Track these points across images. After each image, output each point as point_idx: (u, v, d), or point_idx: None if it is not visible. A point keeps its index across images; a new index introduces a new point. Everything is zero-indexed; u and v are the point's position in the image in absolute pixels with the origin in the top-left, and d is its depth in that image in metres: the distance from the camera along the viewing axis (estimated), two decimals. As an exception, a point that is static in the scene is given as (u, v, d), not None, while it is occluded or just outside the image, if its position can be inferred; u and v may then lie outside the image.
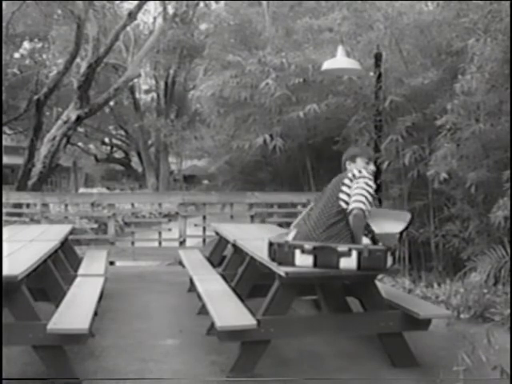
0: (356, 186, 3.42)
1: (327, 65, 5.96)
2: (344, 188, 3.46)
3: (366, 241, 3.33)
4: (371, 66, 6.18)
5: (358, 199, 3.35)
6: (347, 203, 3.40)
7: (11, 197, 7.86)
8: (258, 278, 4.27)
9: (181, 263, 5.39)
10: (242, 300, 3.68)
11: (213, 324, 3.30)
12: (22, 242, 4.42)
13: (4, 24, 13.85)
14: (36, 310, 3.29)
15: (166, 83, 24.38)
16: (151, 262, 8.26)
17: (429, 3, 6.45)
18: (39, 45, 22.17)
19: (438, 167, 5.09)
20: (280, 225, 6.69)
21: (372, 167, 3.71)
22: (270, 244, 3.38)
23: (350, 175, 3.49)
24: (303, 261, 3.22)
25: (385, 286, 4.36)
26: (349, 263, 3.18)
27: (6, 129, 21.94)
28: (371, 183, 3.45)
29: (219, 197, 8.26)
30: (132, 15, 12.41)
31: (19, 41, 20.79)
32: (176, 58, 22.25)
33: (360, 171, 3.49)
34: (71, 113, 11.70)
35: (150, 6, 21.66)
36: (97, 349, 3.78)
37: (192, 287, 4.68)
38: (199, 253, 5.77)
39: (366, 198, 3.35)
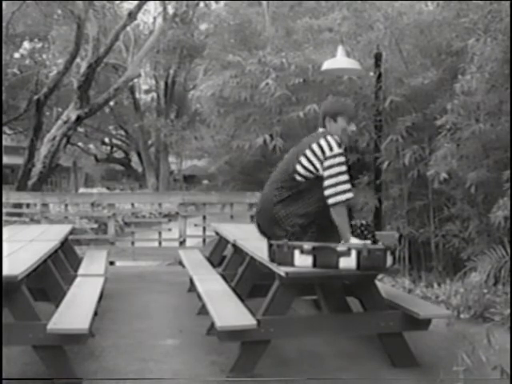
0: (329, 171, 3.20)
1: (327, 65, 5.96)
2: (303, 160, 3.26)
3: (354, 240, 3.30)
4: (371, 66, 6.18)
5: (338, 191, 3.19)
6: (304, 177, 3.26)
7: (11, 197, 7.87)
8: (258, 278, 4.28)
9: (181, 263, 5.39)
10: (242, 300, 3.68)
11: (213, 324, 3.30)
12: (22, 242, 4.42)
13: (4, 24, 13.87)
14: (36, 310, 3.29)
15: (166, 83, 24.39)
16: (151, 262, 8.27)
17: (429, 3, 6.45)
18: (39, 45, 22.20)
19: (438, 167, 5.08)
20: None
21: (353, 127, 3.41)
22: (270, 245, 3.38)
23: (315, 148, 3.24)
24: (302, 261, 3.22)
25: (385, 286, 4.36)
26: (348, 263, 3.18)
27: (6, 129, 21.96)
28: (343, 160, 3.23)
29: (219, 197, 8.26)
30: (132, 15, 12.42)
31: (19, 41, 20.82)
32: (176, 58, 22.26)
33: (331, 148, 3.22)
34: (71, 113, 11.71)
35: (149, 5, 21.69)
36: (97, 349, 3.78)
37: (192, 287, 4.68)
38: (199, 253, 5.77)
39: (344, 182, 3.20)
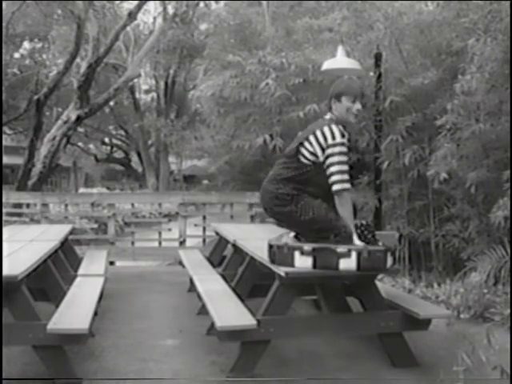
0: (331, 159, 3.24)
1: (327, 65, 5.96)
2: (306, 144, 3.32)
3: (357, 242, 3.29)
4: (371, 66, 6.18)
5: (340, 179, 3.24)
6: (308, 160, 3.32)
7: (11, 197, 7.87)
8: (258, 278, 4.27)
9: (181, 263, 5.39)
10: (242, 300, 3.69)
11: (213, 324, 3.30)
12: (22, 242, 4.42)
13: (4, 24, 13.86)
14: (36, 310, 3.29)
15: (166, 83, 24.39)
16: (151, 262, 8.27)
17: (429, 3, 6.45)
18: (39, 45, 22.19)
19: (438, 167, 5.08)
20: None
21: (358, 106, 3.39)
22: (270, 246, 3.38)
23: (318, 135, 3.29)
24: (302, 262, 3.22)
25: (385, 286, 4.36)
26: (348, 264, 3.17)
27: (6, 129, 21.96)
28: (345, 150, 3.28)
29: (219, 197, 8.26)
30: (132, 15, 12.41)
31: (19, 41, 20.81)
32: (176, 58, 22.26)
33: (333, 137, 3.26)
34: (71, 113, 11.71)
35: (149, 5, 21.68)
36: (97, 349, 3.78)
37: (192, 287, 4.68)
38: (199, 253, 5.77)
39: (346, 172, 3.25)
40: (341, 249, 3.20)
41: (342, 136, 3.30)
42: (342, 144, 3.27)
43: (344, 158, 3.27)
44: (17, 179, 11.96)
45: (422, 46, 6.07)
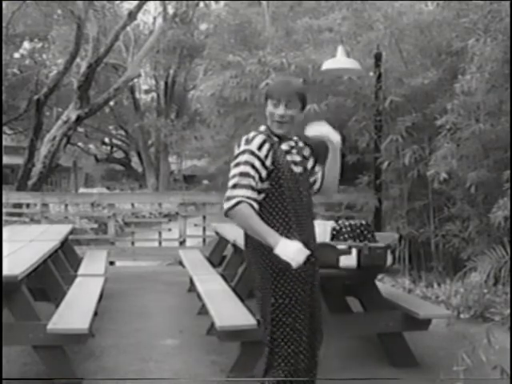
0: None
1: (327, 65, 5.96)
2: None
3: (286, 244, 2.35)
4: (371, 65, 6.19)
5: (226, 196, 2.50)
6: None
7: (11, 197, 7.88)
8: (257, 278, 4.27)
9: (181, 263, 5.39)
10: (242, 300, 3.69)
11: (213, 324, 3.30)
12: (22, 242, 4.42)
13: (4, 24, 13.86)
14: (36, 310, 3.29)
15: (166, 83, 24.39)
16: (151, 262, 8.28)
17: (429, 3, 6.44)
18: (39, 45, 22.19)
19: (438, 167, 5.09)
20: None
21: (280, 111, 2.49)
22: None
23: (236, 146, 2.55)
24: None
25: (385, 285, 4.36)
26: (349, 261, 3.17)
27: (6, 129, 21.96)
28: (242, 159, 2.47)
29: (219, 197, 8.25)
30: (132, 15, 12.41)
31: (19, 41, 20.81)
32: (176, 58, 22.27)
33: (239, 147, 2.51)
34: (71, 113, 11.70)
35: (149, 5, 21.68)
36: (97, 349, 3.78)
37: (192, 287, 4.68)
38: (199, 253, 5.77)
39: (237, 186, 2.47)
40: (341, 246, 3.20)
41: (247, 143, 2.49)
42: (244, 152, 2.48)
43: (235, 171, 2.51)
44: (17, 179, 11.96)
45: (422, 46, 6.08)
